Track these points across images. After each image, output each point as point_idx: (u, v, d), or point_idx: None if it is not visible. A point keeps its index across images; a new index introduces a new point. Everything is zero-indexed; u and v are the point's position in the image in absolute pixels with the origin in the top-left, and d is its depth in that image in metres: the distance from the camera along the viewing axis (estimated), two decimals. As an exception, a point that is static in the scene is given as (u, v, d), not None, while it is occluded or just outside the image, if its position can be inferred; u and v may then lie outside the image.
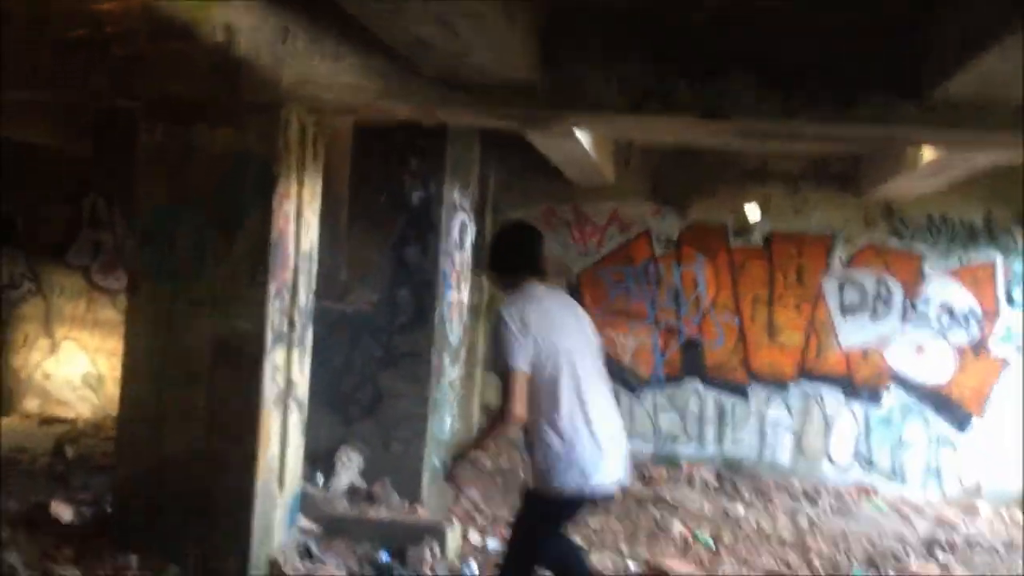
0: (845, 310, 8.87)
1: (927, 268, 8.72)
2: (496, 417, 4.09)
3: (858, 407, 8.85)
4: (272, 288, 4.94)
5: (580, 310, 4.50)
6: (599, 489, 4.18)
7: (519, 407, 3.99)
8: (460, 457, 5.37)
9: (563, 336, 4.19)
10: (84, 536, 5.23)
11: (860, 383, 8.84)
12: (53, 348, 9.37)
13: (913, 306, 8.73)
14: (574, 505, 4.24)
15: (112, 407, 8.89)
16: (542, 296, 4.29)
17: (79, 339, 9.36)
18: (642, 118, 4.72)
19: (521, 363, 4.02)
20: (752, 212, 8.94)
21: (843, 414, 8.87)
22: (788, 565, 6.56)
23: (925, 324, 8.72)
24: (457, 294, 7.23)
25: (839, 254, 8.86)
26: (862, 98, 4.37)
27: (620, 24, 4.58)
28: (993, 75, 3.73)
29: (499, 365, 4.10)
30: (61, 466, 7.18)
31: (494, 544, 6.29)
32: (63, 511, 5.58)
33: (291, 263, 5.14)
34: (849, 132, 4.76)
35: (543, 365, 4.08)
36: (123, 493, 5.17)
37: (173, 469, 5.01)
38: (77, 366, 9.32)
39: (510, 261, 4.35)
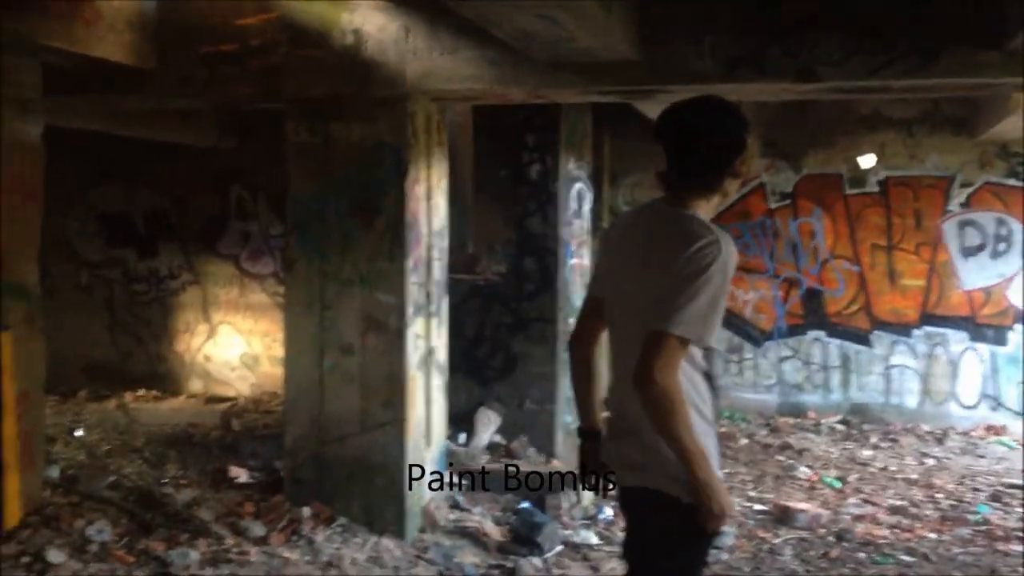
0: (965, 251, 8.90)
1: (1046, 205, 8.66)
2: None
3: (983, 347, 8.88)
4: (410, 264, 5.43)
5: None
6: None
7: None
8: None
9: None
10: (261, 494, 5.85)
11: (984, 323, 8.87)
12: (211, 332, 9.95)
13: (1034, 244, 8.70)
14: None
15: (267, 384, 9.64)
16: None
17: (234, 323, 9.92)
18: (737, 85, 4.98)
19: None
20: (866, 159, 9.02)
21: (968, 355, 8.93)
22: (913, 503, 6.74)
23: (1047, 260, 8.68)
24: (579, 259, 7.63)
25: (956, 196, 8.89)
26: (945, 49, 4.53)
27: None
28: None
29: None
30: (229, 438, 7.82)
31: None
32: (240, 473, 6.23)
33: (424, 240, 5.62)
34: (935, 83, 4.89)
35: None
36: (293, 454, 5.72)
37: (334, 431, 5.56)
38: (234, 348, 9.89)
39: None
